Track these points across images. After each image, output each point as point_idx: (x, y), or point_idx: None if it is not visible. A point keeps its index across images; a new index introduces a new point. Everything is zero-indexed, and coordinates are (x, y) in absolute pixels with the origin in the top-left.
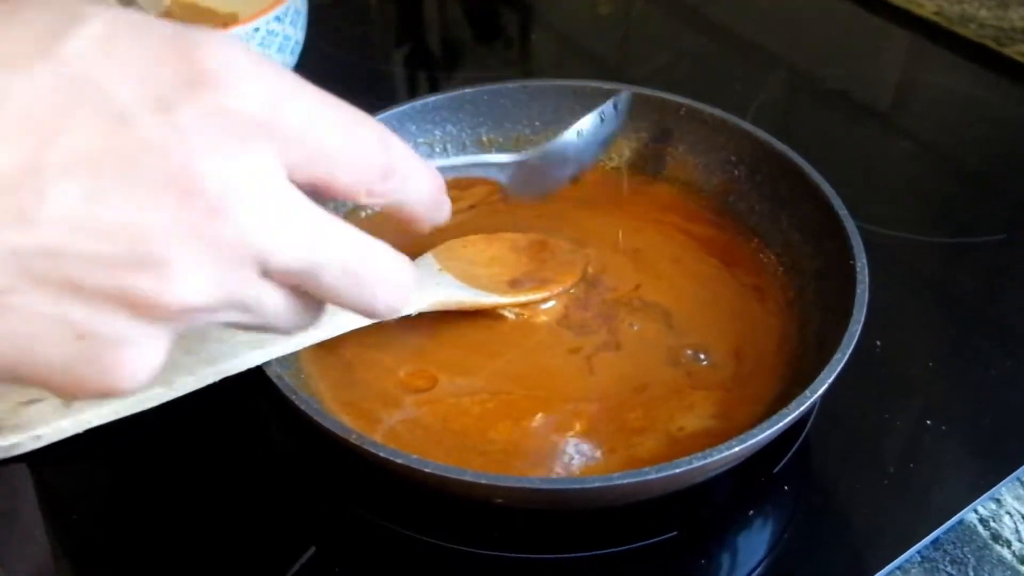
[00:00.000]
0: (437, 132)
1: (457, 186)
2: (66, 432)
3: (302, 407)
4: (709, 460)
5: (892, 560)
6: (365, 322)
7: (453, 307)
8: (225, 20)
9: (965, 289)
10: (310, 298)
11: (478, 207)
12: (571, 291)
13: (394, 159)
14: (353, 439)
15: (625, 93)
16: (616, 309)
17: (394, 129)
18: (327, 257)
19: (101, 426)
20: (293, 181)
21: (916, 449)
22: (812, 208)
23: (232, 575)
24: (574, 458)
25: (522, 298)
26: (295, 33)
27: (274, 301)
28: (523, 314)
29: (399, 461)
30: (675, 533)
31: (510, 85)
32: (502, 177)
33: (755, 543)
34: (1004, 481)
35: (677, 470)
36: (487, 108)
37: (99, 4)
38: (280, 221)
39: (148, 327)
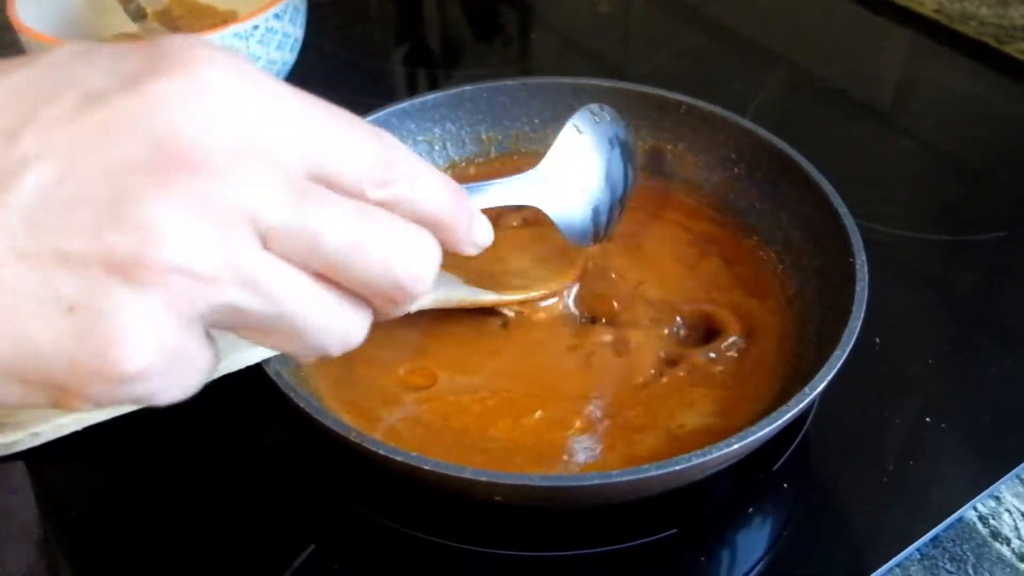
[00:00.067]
0: (436, 130)
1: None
2: (65, 429)
3: (302, 405)
4: (708, 458)
5: (892, 558)
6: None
7: (453, 305)
8: (225, 17)
9: (965, 287)
10: (338, 293)
11: None
12: (571, 289)
13: (397, 155)
14: (353, 437)
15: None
16: (616, 307)
17: (393, 127)
18: (325, 217)
19: (100, 424)
20: (290, 164)
21: (915, 447)
22: (812, 206)
23: (232, 573)
24: (574, 456)
25: (522, 296)
26: (294, 31)
27: (287, 282)
28: (523, 312)
29: (399, 459)
30: (675, 531)
31: (509, 83)
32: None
33: (755, 541)
34: (1003, 479)
35: (676, 467)
36: (486, 106)
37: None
38: (266, 180)
39: (140, 293)
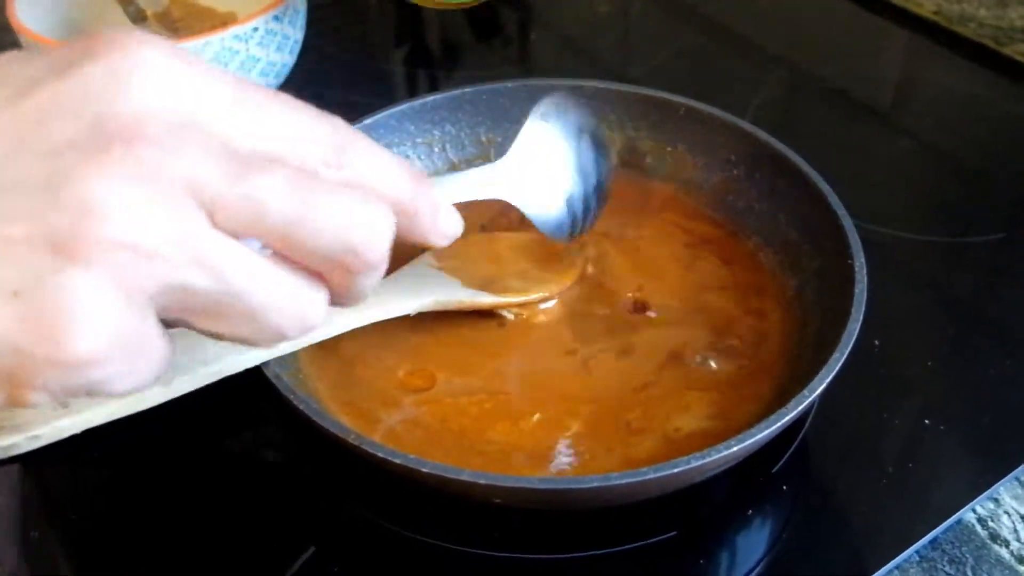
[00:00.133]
0: (436, 132)
1: None
2: (64, 432)
3: (301, 407)
4: (707, 460)
5: (890, 560)
6: (364, 321)
7: (452, 307)
8: (224, 19)
9: (964, 288)
10: (293, 271)
11: (476, 205)
12: (569, 291)
13: (348, 134)
14: (352, 439)
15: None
16: (614, 309)
17: (393, 129)
18: (270, 185)
19: (99, 426)
20: (232, 140)
21: (914, 449)
22: (810, 208)
23: (231, 575)
24: (572, 458)
25: (521, 298)
26: (294, 32)
27: (235, 255)
28: (522, 314)
29: (397, 461)
30: (674, 533)
31: (509, 84)
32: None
33: (754, 543)
34: (1002, 481)
35: (675, 470)
36: (486, 107)
37: None
38: (207, 148)
39: (84, 271)
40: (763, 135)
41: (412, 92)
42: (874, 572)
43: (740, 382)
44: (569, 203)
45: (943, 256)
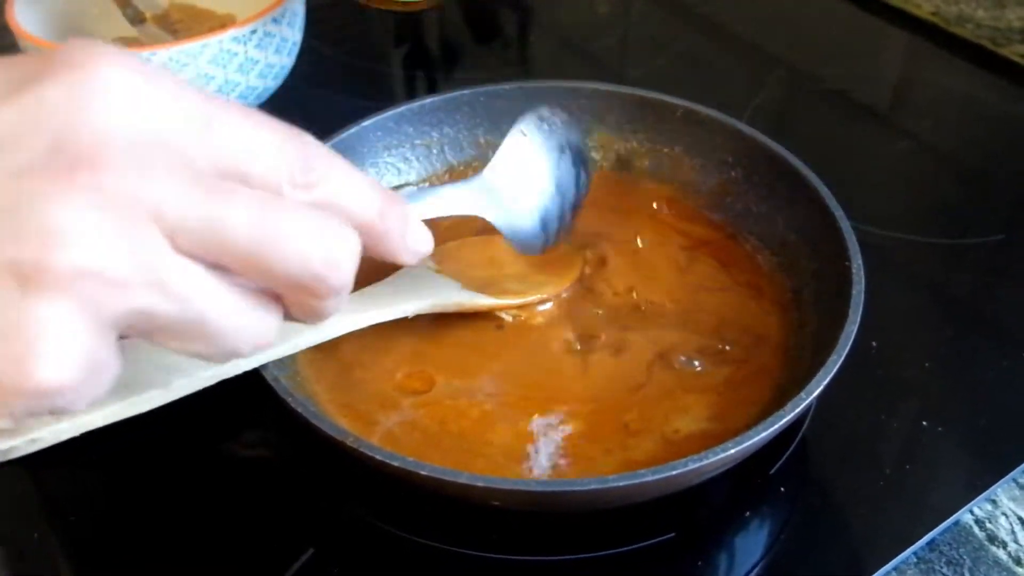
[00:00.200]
0: (434, 134)
1: None
2: (63, 435)
3: (299, 410)
4: (705, 462)
5: (888, 561)
6: (363, 324)
7: (451, 309)
8: (223, 21)
9: (962, 290)
10: (253, 294)
11: None
12: (568, 293)
13: (316, 154)
14: (350, 442)
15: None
16: (613, 310)
17: (391, 131)
18: (235, 211)
19: (98, 429)
20: (196, 160)
21: (912, 450)
22: (808, 210)
23: None
24: (571, 460)
25: (519, 300)
26: (293, 34)
27: (200, 284)
28: (520, 316)
29: (396, 464)
30: (672, 535)
31: (507, 86)
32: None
33: (752, 544)
34: (1000, 482)
35: (673, 472)
36: (484, 110)
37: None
38: (170, 173)
39: (50, 301)
40: (761, 137)
41: (411, 94)
42: (872, 574)
43: (738, 384)
44: (544, 220)
45: (941, 257)
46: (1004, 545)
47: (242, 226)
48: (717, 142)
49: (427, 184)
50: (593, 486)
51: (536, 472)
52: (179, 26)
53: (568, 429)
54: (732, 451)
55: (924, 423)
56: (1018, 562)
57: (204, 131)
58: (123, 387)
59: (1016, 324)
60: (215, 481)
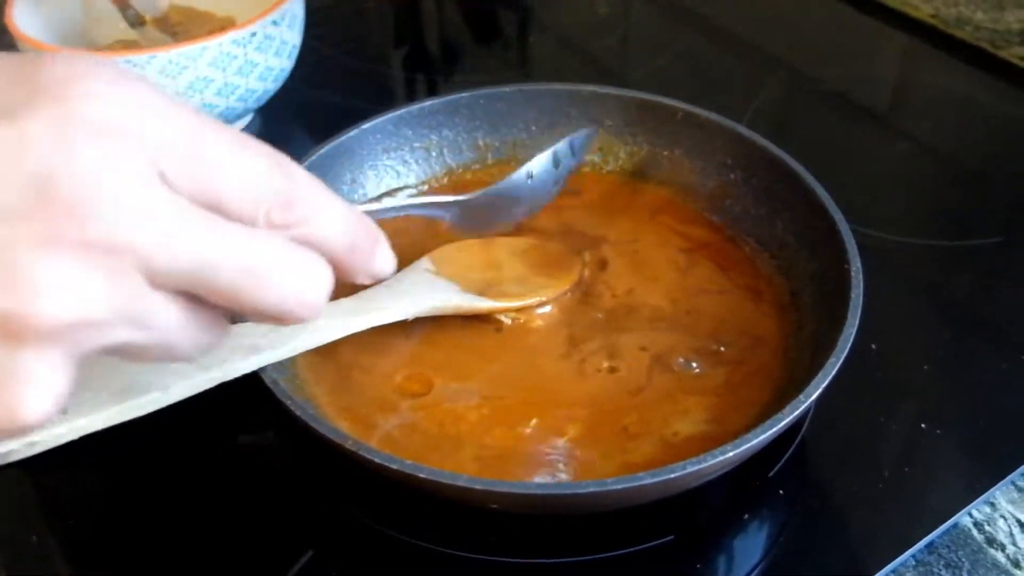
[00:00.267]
0: (433, 136)
1: (453, 189)
2: (62, 438)
3: (298, 413)
4: (703, 465)
5: (887, 564)
6: (361, 327)
7: (449, 312)
8: (222, 23)
9: (961, 292)
10: (210, 310)
11: None
12: (567, 295)
13: (298, 189)
14: (349, 445)
15: (583, 133)
16: (611, 313)
17: (390, 134)
18: (218, 257)
19: (97, 432)
20: (178, 199)
21: (911, 452)
22: (807, 212)
23: None
24: (569, 463)
25: (518, 303)
26: (292, 36)
27: (170, 314)
28: (519, 318)
29: (395, 467)
30: (671, 537)
31: (506, 89)
32: (446, 216)
33: (751, 547)
34: (999, 484)
35: (672, 475)
36: (483, 112)
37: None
38: (154, 220)
39: (30, 353)
40: (760, 139)
41: (410, 96)
42: None
43: (737, 386)
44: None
45: (940, 260)
46: (1003, 547)
47: (224, 269)
48: (716, 145)
49: (426, 187)
50: (592, 489)
51: (535, 475)
52: (179, 28)
53: (567, 432)
54: (731, 454)
55: (923, 425)
56: (1016, 564)
57: (190, 163)
58: (122, 391)
59: (1015, 326)
60: (214, 483)
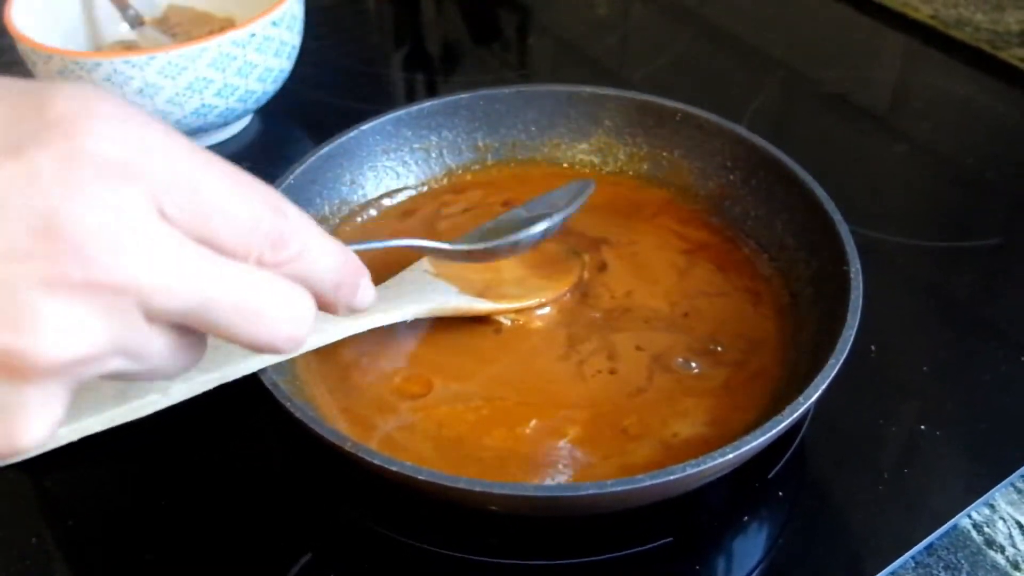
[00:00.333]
0: (433, 137)
1: (452, 190)
2: (63, 440)
3: (297, 414)
4: (703, 467)
5: (886, 565)
6: (361, 328)
7: (448, 313)
8: (222, 24)
9: (960, 293)
10: (194, 337)
11: (473, 211)
12: (566, 297)
13: (290, 229)
14: (348, 446)
15: (591, 187)
16: (611, 315)
17: (390, 135)
18: (215, 295)
19: (98, 433)
20: (177, 225)
21: (910, 454)
22: (806, 214)
23: None
24: (568, 465)
25: (517, 304)
26: (292, 37)
27: (162, 345)
28: (518, 320)
29: (394, 469)
30: (670, 539)
31: (506, 90)
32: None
33: (750, 549)
34: (998, 486)
35: (671, 477)
36: (483, 113)
37: None
38: (157, 260)
39: (31, 388)
40: (759, 141)
41: (410, 97)
42: None
43: (737, 388)
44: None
45: (939, 261)
46: (1002, 549)
47: (219, 306)
48: (716, 146)
49: (425, 187)
50: (591, 491)
51: (534, 476)
52: (178, 29)
53: (567, 433)
54: (730, 456)
55: (922, 427)
56: (1016, 566)
57: (189, 200)
58: (122, 393)
59: (1015, 327)
60: (214, 485)
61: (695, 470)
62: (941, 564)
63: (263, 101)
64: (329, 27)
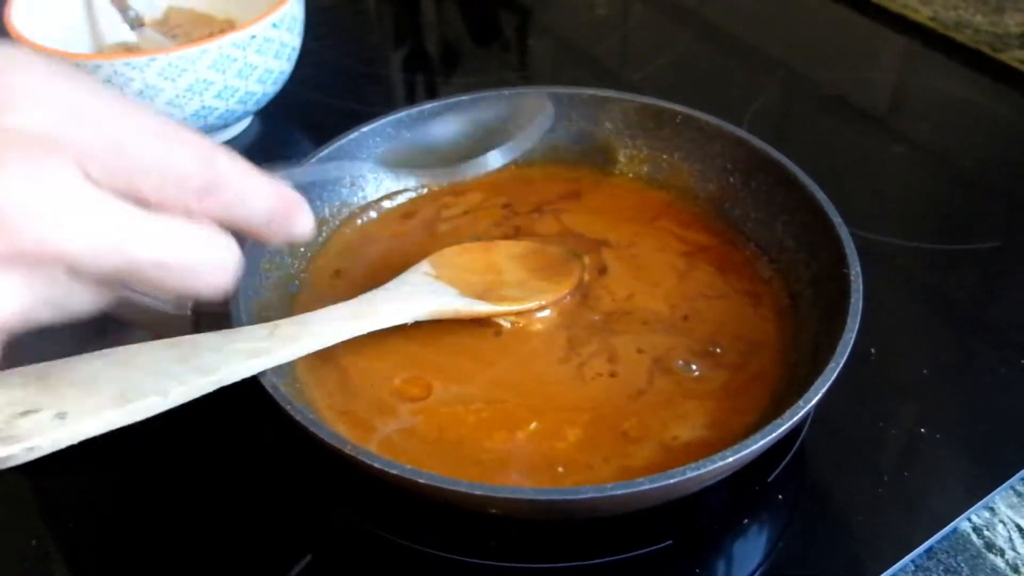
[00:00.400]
0: None
1: (452, 192)
2: (61, 443)
3: (297, 417)
4: (702, 471)
5: (886, 569)
6: (361, 330)
7: (449, 315)
8: (222, 26)
9: (960, 296)
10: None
11: (472, 213)
12: (566, 299)
13: (220, 176)
14: (348, 449)
15: (549, 110)
16: (611, 317)
17: (389, 136)
18: (139, 255)
19: (96, 437)
20: (105, 185)
21: (910, 457)
22: (806, 216)
23: None
24: (568, 467)
25: (517, 307)
26: (292, 39)
27: (86, 295)
28: (518, 322)
29: (394, 472)
30: (669, 542)
31: (505, 92)
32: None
33: (750, 552)
34: (998, 489)
35: (670, 480)
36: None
37: None
38: (82, 227)
39: None
40: (759, 143)
41: (410, 97)
42: None
43: (737, 390)
44: None
45: (939, 263)
46: (1002, 553)
47: (143, 266)
48: (716, 148)
49: (425, 189)
50: (591, 494)
51: (534, 479)
52: (178, 31)
53: (567, 436)
54: (730, 459)
55: (922, 430)
56: (1016, 570)
57: (113, 159)
58: (120, 395)
59: (1015, 330)
60: (213, 488)
61: (695, 473)
62: (941, 567)
63: (263, 103)
64: (329, 28)
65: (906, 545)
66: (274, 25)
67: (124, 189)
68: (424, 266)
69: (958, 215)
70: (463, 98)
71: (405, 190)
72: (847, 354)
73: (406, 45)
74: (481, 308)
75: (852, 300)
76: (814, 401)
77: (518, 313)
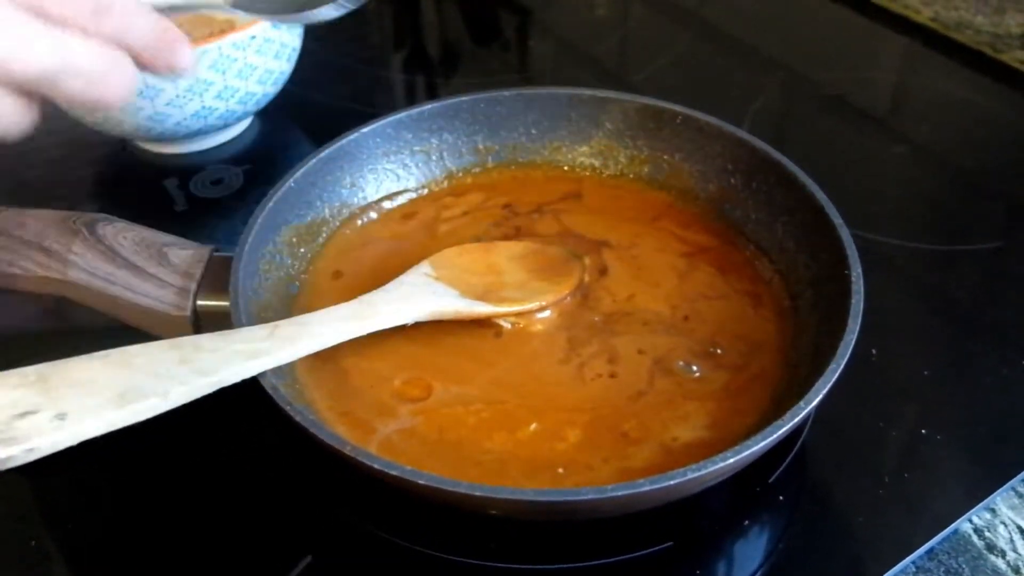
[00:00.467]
0: (433, 140)
1: (452, 192)
2: (61, 445)
3: (297, 418)
4: (703, 472)
5: (887, 570)
6: (361, 331)
7: (448, 316)
8: (222, 26)
9: (961, 296)
10: (34, 98)
11: (472, 213)
12: (566, 300)
13: (112, 1)
14: (348, 450)
15: None
16: (611, 318)
17: (390, 137)
18: (46, 59)
19: (96, 437)
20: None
21: (911, 458)
22: (807, 217)
23: None
24: (569, 468)
25: (517, 307)
26: (292, 40)
27: (6, 106)
28: (518, 323)
29: (394, 472)
30: (670, 544)
31: (505, 93)
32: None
33: (750, 553)
34: (999, 491)
35: (672, 482)
36: (483, 116)
37: None
38: (3, 35)
39: None
40: (760, 144)
41: (410, 99)
42: None
43: (737, 391)
44: None
45: (940, 264)
46: (1003, 554)
47: (57, 73)
48: (716, 149)
49: (425, 190)
50: (591, 496)
51: (534, 480)
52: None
53: (567, 437)
54: (731, 460)
55: (923, 431)
56: (1017, 571)
57: None
58: (120, 396)
59: (1015, 330)
60: (213, 489)
61: (695, 475)
62: (942, 568)
63: (263, 103)
64: (329, 28)
65: (907, 546)
66: (274, 26)
67: (28, 3)
68: (424, 267)
69: (958, 215)
70: (463, 99)
71: (405, 190)
72: (848, 355)
73: (406, 45)
74: (481, 309)
75: (853, 301)
76: (815, 402)
77: (518, 314)
